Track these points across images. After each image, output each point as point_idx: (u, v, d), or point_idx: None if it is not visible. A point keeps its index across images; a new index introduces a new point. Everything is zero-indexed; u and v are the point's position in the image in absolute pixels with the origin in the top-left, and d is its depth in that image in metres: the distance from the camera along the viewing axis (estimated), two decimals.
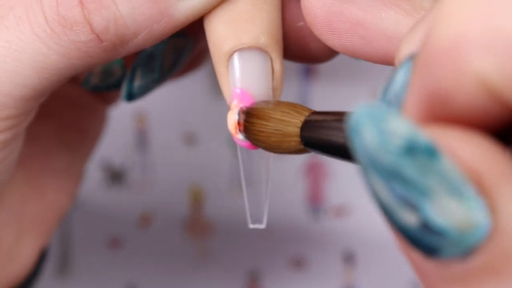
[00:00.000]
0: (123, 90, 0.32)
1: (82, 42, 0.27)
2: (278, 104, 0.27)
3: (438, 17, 0.18)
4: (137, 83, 0.32)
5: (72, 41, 0.27)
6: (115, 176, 0.50)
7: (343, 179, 0.50)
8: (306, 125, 0.25)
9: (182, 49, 0.32)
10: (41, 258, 0.35)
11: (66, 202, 0.35)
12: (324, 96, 0.50)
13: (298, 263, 0.50)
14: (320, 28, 0.27)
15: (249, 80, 0.27)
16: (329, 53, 0.30)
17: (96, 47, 0.27)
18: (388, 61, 0.27)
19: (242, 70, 0.27)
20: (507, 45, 0.17)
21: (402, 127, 0.17)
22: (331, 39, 0.27)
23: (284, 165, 0.50)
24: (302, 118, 0.26)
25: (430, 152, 0.17)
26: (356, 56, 0.27)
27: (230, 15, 0.27)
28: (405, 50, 0.22)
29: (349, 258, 0.50)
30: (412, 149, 0.17)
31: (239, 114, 0.27)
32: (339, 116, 0.24)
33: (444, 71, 0.18)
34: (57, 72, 0.27)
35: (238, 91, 0.27)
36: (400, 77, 0.22)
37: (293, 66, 0.51)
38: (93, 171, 0.50)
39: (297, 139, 0.26)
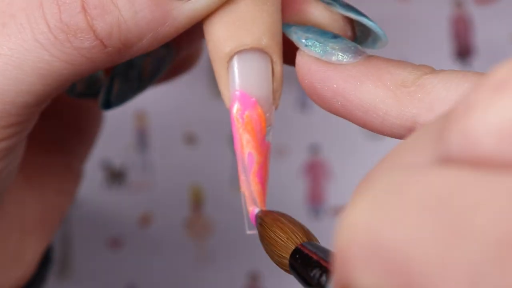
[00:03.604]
0: (101, 98, 0.32)
1: (86, 48, 0.26)
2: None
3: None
4: (115, 91, 0.32)
5: (75, 48, 0.26)
6: (115, 176, 0.50)
7: (343, 179, 0.50)
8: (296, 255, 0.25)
9: (163, 59, 0.32)
10: (46, 263, 0.35)
11: (66, 203, 0.35)
12: None
13: None
14: (308, 91, 0.27)
15: (250, 82, 0.27)
16: None
17: (100, 52, 0.27)
18: (368, 128, 0.27)
19: (243, 72, 0.27)
20: (387, 262, 0.15)
21: None
22: (317, 102, 0.27)
23: (284, 165, 0.50)
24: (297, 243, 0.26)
25: None
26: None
27: (231, 16, 0.26)
28: None
29: None
30: None
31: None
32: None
33: (342, 277, 0.17)
34: (60, 78, 0.27)
35: (237, 93, 0.27)
36: None
37: (293, 69, 0.51)
38: (93, 171, 0.50)
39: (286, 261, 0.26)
